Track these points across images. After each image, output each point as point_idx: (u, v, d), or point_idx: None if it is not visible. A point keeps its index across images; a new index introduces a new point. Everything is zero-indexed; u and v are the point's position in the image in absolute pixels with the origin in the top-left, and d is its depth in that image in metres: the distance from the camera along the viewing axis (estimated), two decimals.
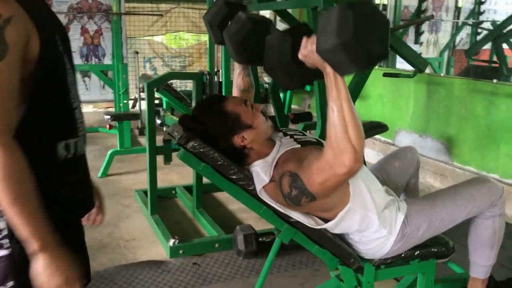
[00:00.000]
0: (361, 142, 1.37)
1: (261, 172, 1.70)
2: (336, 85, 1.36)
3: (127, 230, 3.36)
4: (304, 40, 1.40)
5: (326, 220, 1.76)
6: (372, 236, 1.81)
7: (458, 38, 7.95)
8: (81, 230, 1.41)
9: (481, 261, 2.02)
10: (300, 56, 1.42)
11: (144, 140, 5.93)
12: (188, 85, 6.64)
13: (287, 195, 1.61)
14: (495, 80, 3.94)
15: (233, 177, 1.71)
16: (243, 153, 1.74)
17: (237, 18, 1.88)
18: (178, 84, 6.48)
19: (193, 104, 3.31)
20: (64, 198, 1.23)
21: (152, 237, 3.24)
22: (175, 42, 8.34)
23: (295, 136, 1.84)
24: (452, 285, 2.25)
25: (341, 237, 1.89)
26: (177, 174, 4.60)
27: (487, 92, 3.94)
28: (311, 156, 1.56)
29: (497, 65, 6.66)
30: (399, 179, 2.20)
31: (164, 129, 3.31)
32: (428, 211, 1.88)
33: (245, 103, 1.77)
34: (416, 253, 1.98)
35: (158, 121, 3.39)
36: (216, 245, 3.02)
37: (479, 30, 7.25)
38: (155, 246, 3.12)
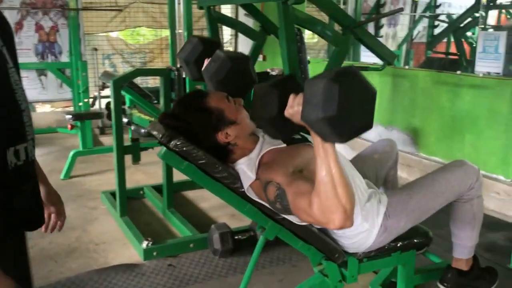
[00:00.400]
0: (351, 202, 1.34)
1: (247, 169, 1.66)
2: (323, 147, 1.33)
3: (96, 234, 3.23)
4: (291, 98, 1.40)
5: None
6: (355, 230, 1.81)
7: (415, 31, 8.12)
8: (25, 243, 1.28)
9: (464, 242, 2.06)
10: (286, 114, 1.42)
11: (106, 140, 5.80)
12: (149, 81, 6.49)
13: (270, 202, 1.58)
14: (458, 72, 4.02)
15: (218, 175, 1.65)
16: (227, 150, 1.69)
17: (215, 57, 1.92)
18: (139, 81, 6.31)
19: (162, 101, 3.21)
20: (15, 209, 1.10)
21: (123, 240, 3.13)
22: (132, 38, 8.14)
23: None
24: (432, 275, 2.26)
25: (325, 232, 1.88)
26: (143, 174, 4.48)
27: (451, 83, 4.02)
28: (298, 181, 1.49)
29: (455, 57, 6.86)
30: (379, 171, 2.21)
31: (132, 127, 3.20)
32: (408, 201, 1.90)
33: (227, 98, 1.71)
34: (398, 245, 1.99)
35: (125, 120, 3.27)
36: (191, 245, 2.95)
37: (436, 23, 7.43)
38: (127, 249, 3.01)
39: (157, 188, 3.81)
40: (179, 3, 5.04)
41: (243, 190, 1.67)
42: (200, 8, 4.07)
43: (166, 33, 6.59)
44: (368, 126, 1.29)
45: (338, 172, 1.33)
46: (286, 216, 1.71)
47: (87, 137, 4.72)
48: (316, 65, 5.25)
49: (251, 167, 1.66)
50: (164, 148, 1.64)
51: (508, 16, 7.18)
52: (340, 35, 3.01)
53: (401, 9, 5.48)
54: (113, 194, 3.65)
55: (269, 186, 1.55)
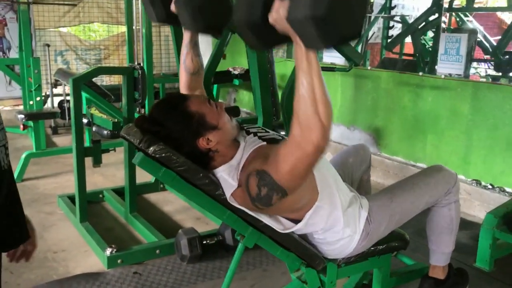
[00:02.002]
0: (330, 119, 1.30)
1: (228, 177, 1.58)
2: (307, 57, 1.27)
3: (54, 241, 3.05)
4: (277, 2, 1.28)
5: (295, 221, 1.69)
6: (336, 236, 1.77)
7: (370, 32, 8.24)
8: None
9: (441, 248, 2.05)
10: (270, 19, 1.30)
11: (59, 140, 5.54)
12: (104, 79, 6.26)
13: (256, 197, 1.50)
14: (421, 73, 4.09)
15: (199, 182, 1.56)
16: (207, 157, 1.60)
17: None
18: (93, 79, 6.07)
19: (124, 101, 3.07)
20: None
21: (84, 247, 2.97)
22: (84, 34, 7.84)
23: (258, 134, 1.74)
24: (407, 277, 2.27)
25: (306, 238, 1.83)
26: (101, 176, 4.30)
27: (414, 84, 4.08)
28: (277, 147, 1.46)
29: (410, 58, 7.01)
30: (353, 175, 2.19)
31: (94, 129, 3.04)
32: (389, 205, 1.88)
33: (208, 102, 1.63)
34: (377, 249, 1.97)
35: (85, 120, 3.11)
36: (157, 251, 2.83)
37: (391, 24, 7.57)
38: (89, 257, 2.86)
39: (118, 191, 3.66)
40: None
41: (224, 197, 1.59)
42: None
43: (122, 29, 6.39)
44: (356, 35, 1.24)
45: (321, 86, 1.27)
46: (268, 223, 1.65)
47: (40, 137, 4.48)
48: (284, 63, 5.24)
49: (232, 174, 1.58)
50: (141, 154, 1.53)
51: (457, 19, 7.42)
52: None
53: (370, 11, 5.51)
54: (71, 198, 3.47)
55: (249, 180, 1.49)
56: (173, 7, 1.81)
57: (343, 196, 1.78)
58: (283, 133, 3.04)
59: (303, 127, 1.30)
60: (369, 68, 4.38)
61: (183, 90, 1.91)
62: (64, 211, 3.46)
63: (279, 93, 3.52)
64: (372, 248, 1.93)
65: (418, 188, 1.90)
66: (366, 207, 1.83)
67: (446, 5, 5.86)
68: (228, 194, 1.57)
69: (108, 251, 2.71)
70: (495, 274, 2.78)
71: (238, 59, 5.88)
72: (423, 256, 2.37)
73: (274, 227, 1.67)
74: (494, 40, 7.12)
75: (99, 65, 5.98)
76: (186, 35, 1.88)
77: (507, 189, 3.52)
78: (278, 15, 1.27)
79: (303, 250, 1.81)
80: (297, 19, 1.19)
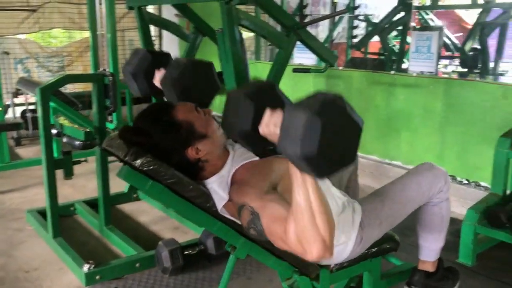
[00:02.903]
0: (331, 232, 1.21)
1: (218, 189, 1.52)
2: (302, 174, 1.19)
3: (25, 259, 2.89)
4: (268, 115, 1.24)
5: None
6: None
7: (335, 32, 8.29)
8: None
9: (431, 245, 2.05)
10: (261, 131, 1.27)
11: (23, 152, 5.31)
12: (67, 86, 6.03)
13: (245, 228, 1.44)
14: (392, 72, 4.11)
15: (189, 194, 1.49)
16: (197, 167, 1.53)
17: (176, 64, 1.78)
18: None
19: (94, 109, 2.94)
20: None
21: (58, 264, 2.82)
22: (43, 41, 7.57)
23: None
24: (397, 278, 2.25)
25: None
26: (70, 188, 4.13)
27: (386, 83, 4.10)
28: (273, 204, 1.35)
29: (375, 56, 7.09)
30: (341, 177, 2.15)
31: (64, 139, 2.90)
32: (381, 208, 1.85)
33: (196, 110, 1.55)
34: (369, 252, 1.94)
35: (54, 131, 2.97)
36: (137, 264, 2.72)
37: (355, 24, 7.63)
38: (65, 274, 2.72)
39: (90, 203, 3.52)
40: (100, 4, 4.74)
41: (215, 209, 1.53)
42: (130, 8, 3.83)
43: (84, 35, 6.19)
44: (351, 161, 1.17)
45: (318, 200, 1.19)
46: None
47: (4, 150, 4.27)
48: (254, 65, 5.17)
49: (223, 186, 1.51)
50: (126, 167, 1.44)
51: (420, 17, 7.55)
52: (284, 36, 2.94)
53: (346, 11, 5.55)
54: (41, 212, 3.32)
55: (243, 211, 1.42)
56: (156, 81, 1.80)
57: (336, 202, 1.74)
58: None
59: (300, 238, 1.21)
60: (340, 68, 4.37)
61: None
62: (34, 227, 3.30)
63: None
64: (365, 251, 1.90)
65: (409, 189, 1.88)
66: (359, 212, 1.80)
67: (415, 4, 5.96)
68: (219, 207, 1.50)
69: (86, 267, 2.59)
70: (478, 269, 2.81)
71: None
72: (408, 255, 2.36)
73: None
74: (455, 37, 7.29)
75: (66, 73, 5.76)
76: None
77: (482, 184, 3.57)
78: (268, 131, 1.23)
79: (296, 258, 1.76)
80: (287, 154, 1.12)
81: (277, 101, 1.31)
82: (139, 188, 1.49)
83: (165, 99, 1.92)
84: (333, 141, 1.10)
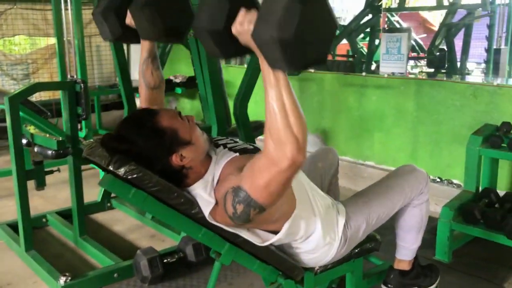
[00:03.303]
0: (304, 132, 1.26)
1: (204, 194, 1.50)
2: (274, 72, 1.22)
3: None
4: (242, 14, 1.22)
5: (274, 232, 1.63)
6: (316, 244, 1.74)
7: None
8: None
9: (409, 245, 2.08)
10: (233, 31, 1.24)
11: None
12: (33, 95, 5.88)
13: (233, 216, 1.43)
14: (364, 73, 4.16)
15: (174, 202, 1.46)
16: (181, 174, 1.50)
17: None
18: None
19: (66, 117, 2.86)
20: None
21: (32, 278, 2.73)
22: (5, 48, 7.35)
23: (228, 145, 1.67)
24: (378, 277, 2.26)
25: (284, 249, 1.78)
26: (41, 198, 4.00)
27: (358, 85, 4.15)
28: (252, 161, 1.39)
29: (344, 58, 7.17)
30: (323, 179, 2.16)
31: (36, 149, 2.81)
32: (365, 210, 1.87)
33: (180, 116, 1.53)
34: (352, 253, 1.95)
35: (24, 141, 2.87)
36: (115, 275, 2.66)
37: None
38: None
39: (63, 214, 3.42)
40: (66, 9, 4.63)
41: (201, 215, 1.50)
42: None
43: (50, 41, 6.05)
44: (322, 60, 1.20)
45: (290, 99, 1.23)
46: (247, 237, 1.58)
47: None
48: (225, 69, 5.15)
49: (208, 191, 1.50)
50: (109, 176, 1.40)
51: (386, 19, 7.69)
52: None
53: None
54: (11, 225, 3.20)
55: (226, 199, 1.42)
56: (128, 20, 1.72)
57: (320, 203, 1.75)
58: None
59: (276, 142, 1.24)
60: (312, 71, 4.40)
61: (144, 104, 1.81)
62: (4, 241, 3.18)
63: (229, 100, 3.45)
64: (348, 252, 1.91)
65: (392, 191, 1.90)
66: (343, 213, 1.81)
67: (384, 6, 6.06)
68: (206, 212, 1.48)
69: (62, 280, 2.51)
70: (454, 265, 2.86)
71: (178, 67, 5.74)
72: (386, 254, 2.38)
73: (253, 241, 1.60)
74: (419, 38, 7.44)
75: (32, 81, 5.61)
76: (144, 49, 1.78)
77: (455, 181, 3.64)
78: (242, 29, 1.22)
79: (282, 262, 1.76)
80: (262, 39, 1.13)
81: (253, 3, 1.27)
82: (122, 197, 1.44)
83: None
84: (309, 30, 1.11)
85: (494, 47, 5.71)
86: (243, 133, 3.17)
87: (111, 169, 1.34)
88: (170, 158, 1.47)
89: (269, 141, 1.26)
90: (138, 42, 1.79)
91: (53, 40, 5.24)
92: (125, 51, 6.69)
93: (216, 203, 1.48)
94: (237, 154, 1.59)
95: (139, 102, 2.01)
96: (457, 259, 2.91)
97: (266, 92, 1.24)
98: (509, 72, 5.84)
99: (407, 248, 2.09)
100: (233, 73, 5.24)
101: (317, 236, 1.71)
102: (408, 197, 1.93)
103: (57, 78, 4.83)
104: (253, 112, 4.48)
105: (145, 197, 1.46)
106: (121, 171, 1.34)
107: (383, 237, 2.11)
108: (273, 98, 1.22)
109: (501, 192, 3.12)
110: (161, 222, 3.28)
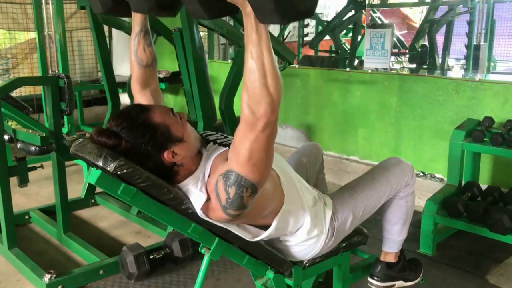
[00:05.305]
0: (279, 92, 1.28)
1: (195, 189, 1.49)
2: (257, 29, 1.22)
3: None
4: None
5: (265, 227, 1.64)
6: (304, 236, 1.75)
7: (286, 31, 8.36)
8: None
9: (395, 237, 2.09)
10: None
11: None
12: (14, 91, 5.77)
13: (226, 203, 1.42)
14: (348, 69, 4.18)
15: (164, 197, 1.45)
16: (172, 171, 1.49)
17: None
18: None
19: (49, 113, 2.82)
20: None
21: (15, 276, 2.69)
22: None
23: (218, 141, 1.66)
24: (364, 271, 2.28)
25: (272, 244, 1.78)
26: (23, 195, 3.95)
27: (342, 80, 4.17)
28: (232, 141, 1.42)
29: (326, 54, 7.20)
30: (309, 175, 2.16)
31: (18, 145, 2.76)
32: (352, 202, 1.88)
33: (172, 112, 1.52)
34: (340, 247, 1.97)
35: (6, 137, 2.82)
36: (101, 271, 2.64)
37: (306, 22, 7.72)
38: (23, 286, 2.60)
39: (46, 211, 3.38)
40: (47, 3, 4.55)
41: (191, 211, 1.50)
42: (82, 8, 3.72)
43: (30, 36, 5.94)
44: (310, 12, 1.21)
45: (270, 59, 1.25)
46: (237, 233, 1.58)
47: None
48: (210, 64, 5.12)
49: (200, 186, 1.49)
50: (97, 172, 1.39)
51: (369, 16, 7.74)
52: (244, 35, 2.93)
53: None
54: None
55: (218, 187, 1.42)
56: None
57: (308, 196, 1.76)
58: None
59: (252, 102, 1.27)
60: (297, 66, 4.41)
61: (136, 85, 1.74)
62: None
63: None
64: (336, 246, 1.92)
65: (378, 183, 1.91)
66: (330, 206, 1.82)
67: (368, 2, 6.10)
68: (198, 208, 1.47)
69: (47, 278, 2.48)
70: (438, 258, 2.90)
71: (161, 62, 5.70)
72: (371, 248, 2.40)
73: (243, 237, 1.60)
74: (400, 34, 7.50)
75: (12, 76, 5.51)
76: (136, 22, 1.70)
77: (437, 175, 3.69)
78: None
79: (270, 257, 1.77)
80: None
81: None
82: (111, 192, 1.43)
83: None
84: None
85: (474, 43, 5.78)
86: (229, 129, 3.16)
87: (100, 164, 1.32)
88: (161, 155, 1.46)
89: (245, 104, 1.28)
90: (129, 15, 1.70)
91: (33, 35, 5.15)
92: (108, 46, 6.65)
93: (208, 199, 1.47)
94: (227, 148, 1.59)
95: (123, 98, 1.96)
96: (441, 252, 2.95)
97: (247, 50, 1.25)
98: (487, 68, 5.94)
99: (393, 240, 2.10)
100: (217, 68, 5.22)
101: (305, 229, 1.72)
102: (394, 189, 1.95)
103: (37, 73, 4.76)
104: (239, 107, 4.48)
105: (134, 192, 1.45)
106: (111, 166, 1.32)
107: (368, 230, 2.14)
108: (253, 56, 1.24)
109: (483, 186, 3.18)
110: (147, 218, 3.26)
